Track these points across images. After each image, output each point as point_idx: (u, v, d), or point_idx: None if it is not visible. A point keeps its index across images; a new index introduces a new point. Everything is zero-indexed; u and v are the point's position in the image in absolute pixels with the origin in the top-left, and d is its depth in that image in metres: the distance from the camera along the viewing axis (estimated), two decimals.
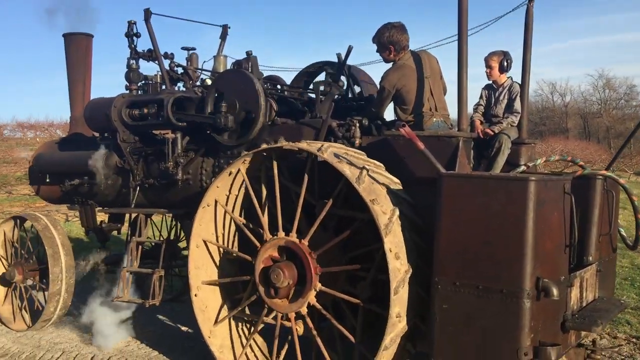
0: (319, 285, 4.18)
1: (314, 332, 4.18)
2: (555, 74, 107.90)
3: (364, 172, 3.88)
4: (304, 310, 4.23)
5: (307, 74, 6.37)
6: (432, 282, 3.65)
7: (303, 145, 4.15)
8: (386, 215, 3.78)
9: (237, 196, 4.82)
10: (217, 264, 4.94)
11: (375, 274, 4.09)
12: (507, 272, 3.41)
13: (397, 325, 3.74)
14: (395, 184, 4.08)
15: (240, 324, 4.99)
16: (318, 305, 4.20)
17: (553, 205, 3.63)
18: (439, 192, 3.63)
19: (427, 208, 3.85)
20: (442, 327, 3.64)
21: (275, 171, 4.32)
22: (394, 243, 3.73)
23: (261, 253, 4.40)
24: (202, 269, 4.85)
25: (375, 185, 3.90)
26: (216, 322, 4.79)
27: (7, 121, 32.73)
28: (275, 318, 4.43)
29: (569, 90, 63.73)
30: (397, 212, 3.82)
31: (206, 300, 4.85)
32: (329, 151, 4.01)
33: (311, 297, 4.19)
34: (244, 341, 4.86)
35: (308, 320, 4.23)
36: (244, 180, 4.56)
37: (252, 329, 4.77)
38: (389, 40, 4.85)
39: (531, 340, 3.39)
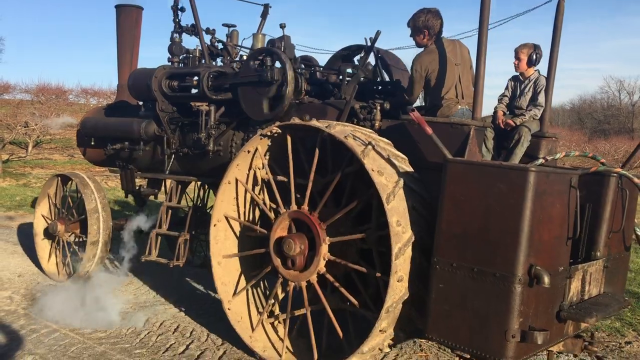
0: (328, 255, 4.40)
1: (323, 299, 4.40)
2: (624, 72, 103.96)
3: (369, 146, 4.06)
4: (314, 279, 4.47)
5: (341, 57, 6.53)
6: (431, 261, 3.82)
7: (313, 122, 4.35)
8: (389, 184, 3.95)
9: (256, 173, 5.07)
10: (238, 238, 5.22)
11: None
12: (501, 257, 3.54)
13: (398, 289, 3.92)
14: (402, 159, 4.24)
15: (257, 297, 5.27)
16: (327, 274, 4.42)
17: (555, 197, 3.72)
18: (444, 176, 3.78)
19: (436, 192, 3.99)
20: (438, 305, 3.80)
21: (290, 147, 4.54)
22: (397, 211, 3.90)
23: (275, 225, 4.65)
24: (222, 243, 5.14)
25: (381, 159, 4.08)
26: (235, 293, 5.08)
27: (72, 87, 33.98)
28: (288, 287, 4.68)
29: (638, 88, 61.17)
30: (401, 182, 3.99)
31: (226, 273, 5.14)
32: (337, 128, 4.20)
33: (321, 266, 4.42)
34: (261, 311, 5.13)
35: (317, 288, 4.46)
36: (261, 158, 4.80)
37: (269, 300, 5.04)
38: (423, 24, 4.98)
39: (520, 323, 3.52)
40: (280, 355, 4.67)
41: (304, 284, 4.55)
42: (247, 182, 5.01)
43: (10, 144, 19.43)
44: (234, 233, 5.19)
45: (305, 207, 4.50)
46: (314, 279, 4.48)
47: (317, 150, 4.40)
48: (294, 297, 4.69)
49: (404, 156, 4.33)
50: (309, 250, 4.52)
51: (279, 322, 5.02)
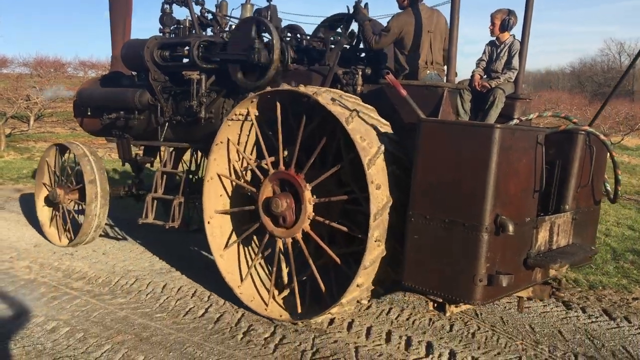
0: (312, 214, 4.69)
1: (307, 254, 4.71)
2: (624, 34, 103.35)
3: (354, 113, 4.32)
4: (299, 236, 4.77)
5: (327, 25, 6.72)
6: (407, 214, 4.11)
7: (302, 88, 4.60)
8: (372, 149, 4.22)
9: (248, 135, 5.34)
10: (229, 196, 5.51)
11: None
12: (469, 208, 3.83)
13: (375, 248, 4.23)
14: (384, 125, 4.50)
15: (247, 251, 5.58)
16: (311, 232, 4.72)
17: (521, 152, 4.00)
18: (418, 135, 4.04)
19: (412, 150, 4.26)
20: (413, 255, 4.11)
21: (278, 112, 4.79)
22: (377, 175, 4.18)
23: (264, 184, 4.94)
24: (214, 200, 5.42)
25: (364, 125, 4.33)
26: (226, 246, 5.39)
27: (70, 59, 33.95)
28: (275, 243, 4.99)
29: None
30: (382, 148, 4.25)
31: (217, 228, 5.44)
32: (324, 95, 4.45)
33: (305, 225, 4.72)
34: (250, 265, 5.45)
35: (302, 244, 4.77)
36: (252, 120, 5.05)
37: (257, 254, 5.35)
38: None
39: (487, 269, 3.83)
40: (266, 305, 4.99)
41: (289, 241, 4.85)
42: (238, 143, 5.27)
43: (12, 118, 19.53)
44: (226, 191, 5.47)
45: (292, 168, 4.77)
46: (299, 236, 4.78)
47: (303, 116, 4.64)
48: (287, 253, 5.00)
49: (386, 122, 4.58)
50: (295, 211, 4.80)
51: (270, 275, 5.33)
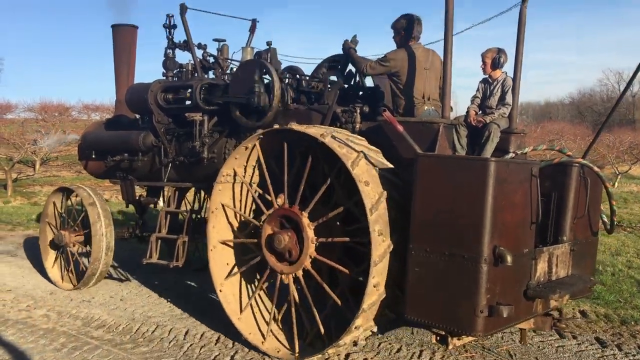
0: (314, 253, 4.77)
1: (307, 293, 4.76)
2: (621, 64, 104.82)
3: (360, 155, 4.43)
4: (300, 273, 4.84)
5: (326, 65, 6.92)
6: (408, 248, 4.18)
7: (310, 129, 4.72)
8: (375, 196, 4.31)
9: (253, 169, 5.45)
10: (232, 227, 5.59)
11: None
12: (468, 240, 3.91)
13: (374, 293, 4.29)
14: (388, 168, 4.59)
15: (248, 284, 5.63)
16: (312, 271, 4.78)
17: (517, 185, 4.10)
18: (415, 170, 4.16)
19: (410, 184, 4.36)
20: (415, 287, 4.17)
21: (285, 150, 4.91)
22: (379, 222, 4.26)
23: (268, 219, 5.02)
24: (218, 230, 5.51)
25: (370, 169, 4.43)
26: (227, 276, 5.45)
27: (74, 103, 34.46)
28: (276, 278, 5.05)
29: (638, 80, 61.60)
30: (385, 195, 4.34)
31: (220, 258, 5.52)
32: (330, 136, 4.56)
33: (306, 263, 4.79)
34: (250, 296, 5.49)
35: (302, 282, 4.82)
36: (258, 155, 5.17)
37: (258, 286, 5.40)
38: (402, 26, 5.45)
39: (487, 300, 3.89)
40: (264, 340, 5.02)
41: (290, 277, 4.91)
42: (244, 176, 5.38)
43: (18, 162, 19.73)
44: (230, 222, 5.56)
45: (297, 206, 4.86)
46: (300, 273, 4.84)
47: (309, 157, 4.75)
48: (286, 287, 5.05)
49: (390, 165, 4.66)
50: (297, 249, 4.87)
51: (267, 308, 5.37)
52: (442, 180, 4.06)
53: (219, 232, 5.51)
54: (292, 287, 4.93)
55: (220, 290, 5.38)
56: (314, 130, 4.71)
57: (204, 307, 6.50)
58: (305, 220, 4.81)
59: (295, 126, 4.87)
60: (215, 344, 5.34)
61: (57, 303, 6.69)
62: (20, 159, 19.36)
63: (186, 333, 5.64)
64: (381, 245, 4.26)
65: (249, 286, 5.62)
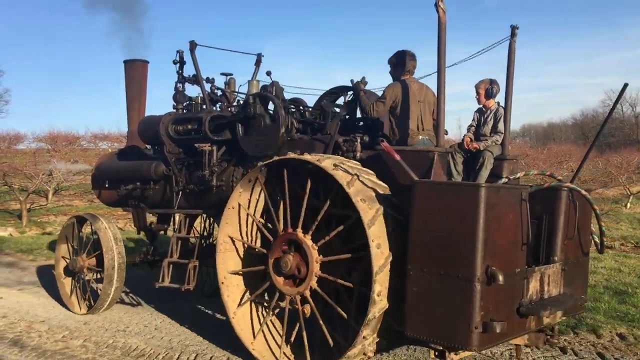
0: (319, 272, 5.05)
1: (315, 311, 5.04)
2: (622, 85, 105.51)
3: (354, 177, 4.75)
4: (307, 293, 5.11)
5: (329, 96, 7.29)
6: (406, 269, 4.46)
7: (306, 156, 5.06)
8: (371, 211, 4.62)
9: (257, 200, 5.76)
10: (241, 257, 5.89)
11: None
12: (462, 260, 4.18)
13: (378, 302, 4.56)
14: (383, 187, 4.91)
15: (259, 310, 5.91)
16: (318, 289, 5.06)
17: (507, 208, 4.39)
18: (412, 195, 4.46)
19: (407, 209, 4.65)
20: (413, 306, 4.43)
21: (285, 177, 5.23)
22: (377, 234, 4.56)
23: (274, 246, 5.32)
24: (228, 261, 5.81)
25: (365, 188, 4.75)
26: (239, 305, 5.72)
27: (82, 132, 34.93)
28: (285, 301, 5.32)
29: None
30: (382, 209, 4.65)
31: (231, 288, 5.80)
32: (326, 161, 4.90)
33: (313, 282, 5.07)
34: (262, 322, 5.76)
35: (310, 301, 5.10)
36: (261, 186, 5.50)
37: (269, 311, 5.67)
38: (398, 62, 5.83)
39: (481, 317, 4.14)
40: None
41: (298, 298, 5.19)
42: (249, 207, 5.69)
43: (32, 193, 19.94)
44: (238, 252, 5.86)
45: (299, 230, 5.16)
46: (307, 292, 5.12)
47: (308, 181, 5.07)
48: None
49: (385, 185, 4.99)
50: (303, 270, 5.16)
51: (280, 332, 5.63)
52: (437, 205, 4.35)
53: (228, 264, 5.81)
54: (300, 308, 5.20)
55: (233, 318, 5.64)
56: (310, 157, 5.04)
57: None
58: (308, 241, 5.11)
59: (293, 155, 5.20)
60: None
61: (93, 333, 6.71)
62: (35, 189, 19.57)
63: None
64: (380, 257, 4.54)
65: (260, 313, 5.88)
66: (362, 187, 4.76)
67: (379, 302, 4.58)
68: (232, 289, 5.81)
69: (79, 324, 7.12)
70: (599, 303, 7.40)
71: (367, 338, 4.72)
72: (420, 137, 5.56)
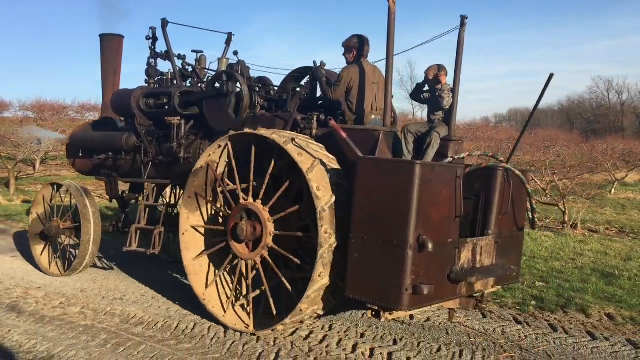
0: (271, 243, 5.50)
1: (262, 275, 5.49)
2: (610, 72, 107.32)
3: (316, 162, 5.14)
4: (258, 260, 5.56)
5: (295, 76, 7.66)
6: (349, 237, 4.91)
7: (274, 136, 5.42)
8: (325, 200, 5.03)
9: (224, 167, 6.13)
10: (203, 214, 6.30)
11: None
12: (397, 230, 4.63)
13: (318, 282, 5.03)
14: (340, 172, 5.30)
15: (214, 265, 6.31)
16: (269, 259, 5.50)
17: (441, 185, 4.83)
18: (356, 170, 4.89)
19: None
20: (353, 271, 4.89)
21: (253, 151, 5.62)
22: (327, 222, 5.00)
23: (233, 213, 5.74)
24: (191, 216, 6.23)
25: (324, 175, 5.14)
26: (196, 257, 6.18)
27: (69, 102, 34.45)
28: (238, 262, 5.77)
29: (627, 88, 62.85)
30: (333, 199, 5.06)
31: (191, 241, 6.24)
32: (291, 143, 5.27)
33: (264, 251, 5.52)
34: (215, 275, 6.18)
35: (260, 268, 5.54)
36: (229, 155, 5.87)
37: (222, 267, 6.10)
38: (354, 45, 6.22)
39: (412, 280, 4.61)
40: (224, 313, 5.78)
41: (250, 262, 5.64)
42: (215, 171, 6.08)
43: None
44: (200, 210, 6.29)
45: (259, 201, 5.59)
46: (258, 259, 5.57)
47: (273, 161, 5.48)
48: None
49: (342, 171, 5.37)
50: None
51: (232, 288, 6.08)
52: (378, 180, 4.79)
53: (191, 218, 6.22)
54: (249, 271, 5.65)
55: (189, 270, 6.08)
56: (277, 137, 5.42)
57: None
58: (265, 214, 5.54)
59: (262, 132, 5.59)
60: (258, 342, 5.47)
61: (90, 300, 6.78)
62: (23, 157, 19.54)
63: (225, 330, 5.74)
64: (327, 242, 4.99)
65: (215, 268, 6.31)
66: (321, 173, 5.11)
67: (319, 281, 5.03)
68: (192, 242, 6.24)
69: (75, 291, 7.22)
70: (587, 284, 7.65)
71: (305, 311, 5.18)
72: (373, 116, 5.98)
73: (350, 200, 4.97)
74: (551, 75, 5.31)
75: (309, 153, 5.25)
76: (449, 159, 6.02)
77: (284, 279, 5.39)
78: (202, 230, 6.33)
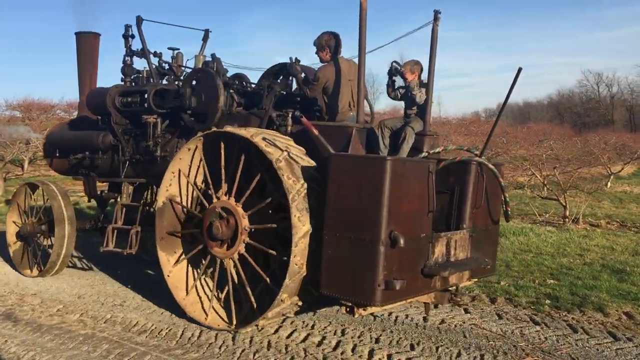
0: (247, 239, 5.49)
1: (242, 274, 5.49)
2: (600, 65, 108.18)
3: (284, 152, 5.15)
4: (235, 257, 5.56)
5: (271, 73, 7.64)
6: (322, 234, 4.92)
7: (241, 131, 5.44)
8: (296, 187, 5.04)
9: (197, 167, 6.14)
10: (179, 220, 6.28)
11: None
12: (369, 225, 4.65)
13: (296, 269, 5.03)
14: (310, 164, 5.31)
15: (194, 269, 6.32)
16: (246, 254, 5.50)
17: (413, 180, 4.86)
18: (328, 167, 4.90)
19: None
20: (327, 267, 4.90)
21: (222, 149, 5.61)
22: (299, 209, 5.00)
23: (207, 212, 5.73)
24: (166, 222, 6.21)
25: (294, 165, 5.15)
26: (175, 264, 6.15)
27: (56, 101, 33.86)
28: (216, 263, 5.77)
29: (616, 81, 63.22)
30: (305, 186, 5.07)
31: (168, 247, 6.21)
32: (259, 137, 5.29)
33: (241, 247, 5.52)
34: (195, 279, 6.18)
35: (238, 264, 5.54)
36: (200, 155, 5.87)
37: (202, 270, 6.11)
38: (327, 43, 6.24)
39: (384, 275, 4.62)
40: (206, 316, 5.75)
41: (228, 261, 5.64)
42: (189, 174, 6.07)
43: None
44: (176, 215, 6.26)
45: (232, 199, 5.58)
46: (235, 256, 5.57)
47: (242, 155, 5.48)
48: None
49: (313, 162, 5.35)
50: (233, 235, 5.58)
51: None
52: (350, 176, 4.79)
53: (167, 225, 6.20)
54: (231, 270, 5.65)
55: (169, 276, 6.07)
56: (244, 132, 5.43)
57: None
58: (239, 210, 5.53)
59: (230, 129, 5.58)
60: (269, 349, 5.26)
61: (89, 307, 6.50)
62: (12, 158, 19.27)
63: (234, 338, 5.51)
64: (301, 229, 4.99)
65: (194, 271, 6.31)
66: (290, 163, 5.12)
67: (297, 270, 5.04)
68: (169, 249, 6.22)
69: (72, 297, 6.92)
70: (599, 281, 7.53)
71: (285, 301, 5.18)
72: (352, 113, 5.99)
73: (324, 191, 4.99)
74: (519, 70, 5.35)
75: (276, 145, 5.26)
76: (424, 154, 6.04)
77: (261, 272, 5.39)
78: (184, 263, 6.28)
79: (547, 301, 6.81)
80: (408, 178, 4.81)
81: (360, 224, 4.73)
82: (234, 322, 5.59)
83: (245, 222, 5.52)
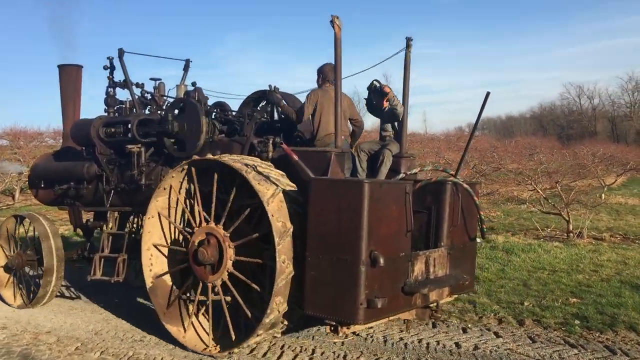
0: (231, 268, 5.63)
1: (235, 293, 5.60)
2: (580, 78, 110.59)
3: (276, 191, 5.28)
4: (225, 276, 5.68)
5: (252, 100, 7.85)
6: (304, 256, 5.09)
7: (209, 157, 5.64)
8: (269, 191, 5.20)
9: (177, 200, 6.28)
10: (167, 258, 6.42)
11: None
12: (350, 246, 4.83)
13: (284, 269, 5.15)
14: (281, 176, 5.47)
15: (176, 285, 6.41)
16: (235, 272, 5.62)
17: (390, 201, 5.06)
18: (309, 190, 5.09)
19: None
20: (311, 287, 5.07)
21: (194, 177, 5.82)
22: (276, 210, 5.15)
23: (192, 241, 5.87)
24: (153, 267, 6.34)
25: (282, 205, 5.27)
26: (168, 305, 6.24)
27: (43, 129, 33.53)
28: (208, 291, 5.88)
29: (597, 93, 64.26)
30: (291, 229, 5.21)
31: (159, 290, 6.31)
32: (227, 157, 5.48)
33: (229, 266, 5.64)
34: (177, 296, 6.27)
35: (229, 283, 5.65)
36: (180, 187, 6.04)
37: (195, 304, 6.20)
38: (320, 71, 6.60)
39: (366, 294, 4.80)
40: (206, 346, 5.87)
41: (219, 283, 5.77)
42: (169, 207, 6.21)
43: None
44: (163, 255, 6.40)
45: (212, 223, 5.73)
46: (225, 276, 5.69)
47: (215, 177, 5.67)
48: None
49: (282, 173, 5.54)
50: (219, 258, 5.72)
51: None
52: (330, 199, 4.99)
53: (155, 268, 6.35)
54: (219, 289, 5.78)
55: (164, 316, 6.17)
56: (240, 165, 5.52)
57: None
58: (227, 240, 5.66)
59: (225, 158, 5.73)
60: None
61: (108, 344, 6.18)
62: (4, 188, 19.18)
63: None
64: (284, 272, 5.15)
65: (177, 288, 6.40)
66: (280, 204, 5.26)
67: (285, 269, 5.16)
68: (160, 292, 6.32)
69: (89, 334, 6.59)
70: (622, 298, 7.43)
71: (279, 305, 5.26)
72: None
73: (305, 214, 5.14)
74: (488, 94, 5.61)
75: (270, 181, 5.39)
76: (402, 175, 6.27)
77: (243, 305, 5.52)
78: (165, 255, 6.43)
79: (577, 321, 6.67)
80: (386, 200, 5.02)
81: (341, 245, 4.91)
82: (211, 346, 5.75)
83: (230, 252, 5.60)
